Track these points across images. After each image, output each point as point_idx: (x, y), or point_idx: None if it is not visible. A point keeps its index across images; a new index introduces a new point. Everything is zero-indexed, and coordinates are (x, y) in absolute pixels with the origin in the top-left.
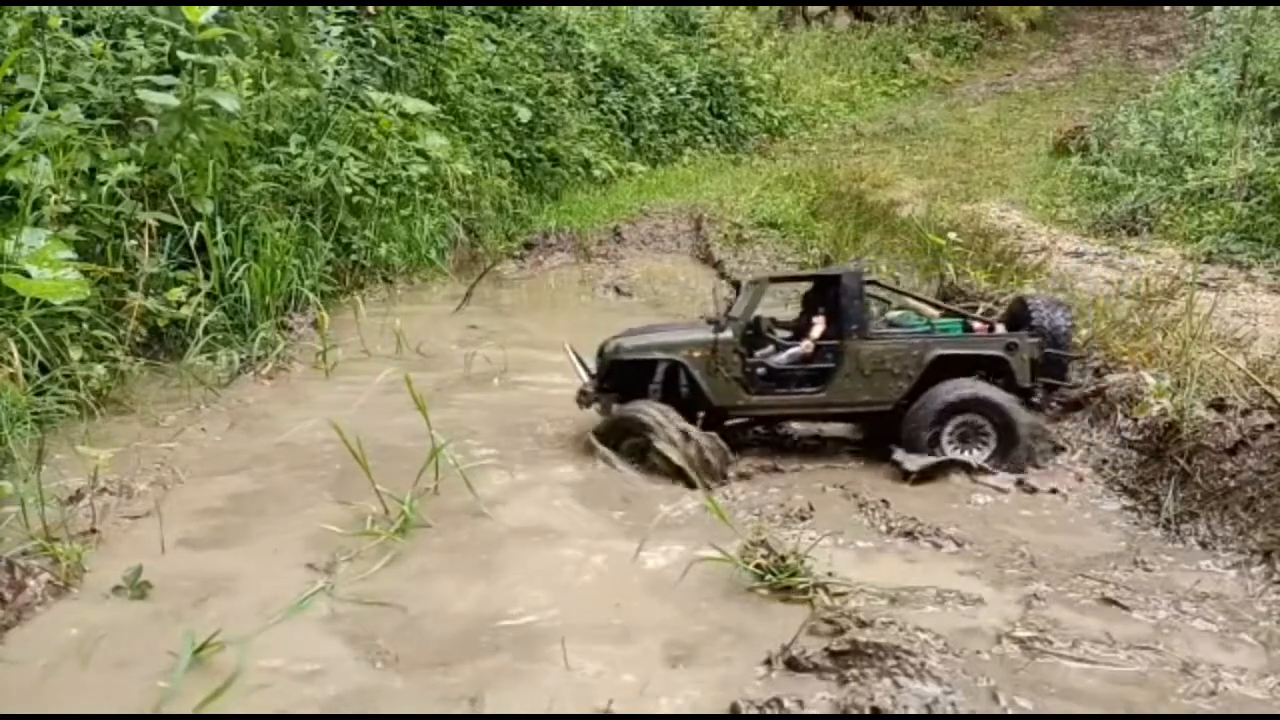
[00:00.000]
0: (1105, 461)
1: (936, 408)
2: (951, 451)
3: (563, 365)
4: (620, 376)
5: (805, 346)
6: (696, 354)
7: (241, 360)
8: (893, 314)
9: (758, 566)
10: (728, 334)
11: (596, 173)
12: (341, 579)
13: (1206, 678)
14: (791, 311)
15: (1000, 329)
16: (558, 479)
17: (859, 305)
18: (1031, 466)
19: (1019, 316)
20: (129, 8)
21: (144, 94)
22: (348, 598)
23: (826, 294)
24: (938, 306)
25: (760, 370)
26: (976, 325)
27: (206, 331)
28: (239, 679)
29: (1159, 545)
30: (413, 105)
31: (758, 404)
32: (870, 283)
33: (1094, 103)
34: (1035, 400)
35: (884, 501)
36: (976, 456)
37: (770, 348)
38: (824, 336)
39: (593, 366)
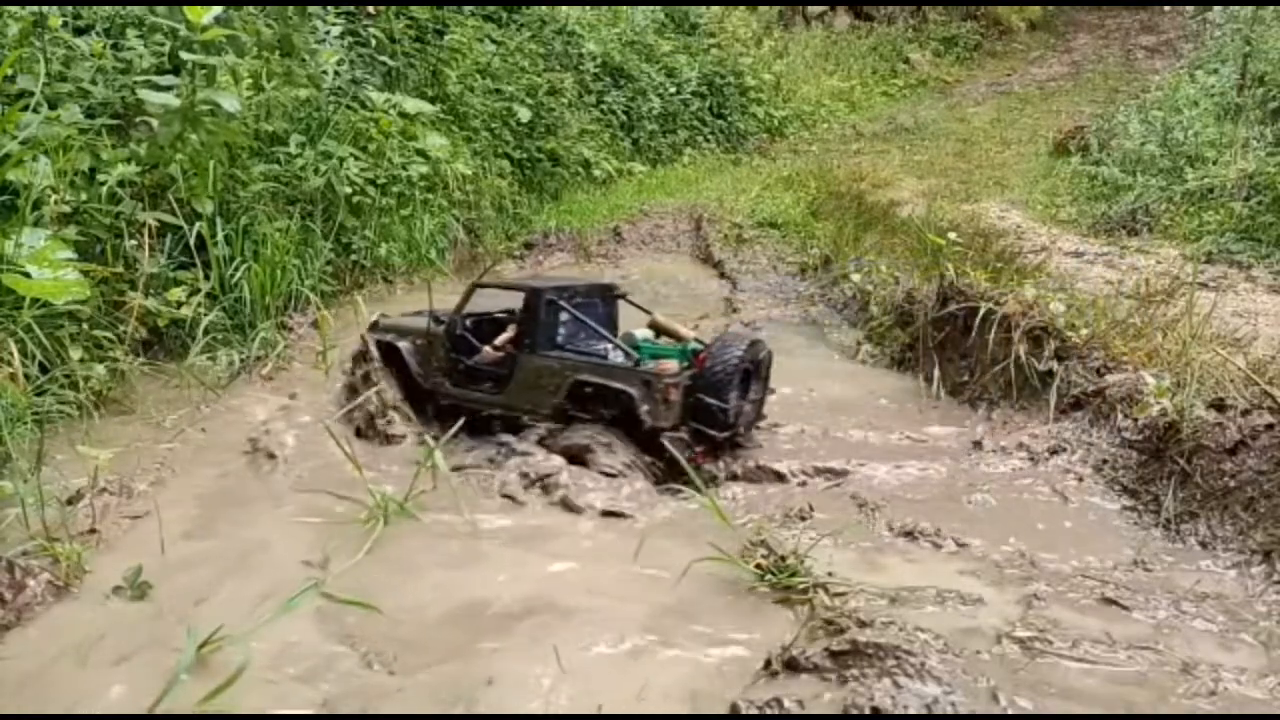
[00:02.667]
0: (1105, 461)
1: (561, 445)
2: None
3: None
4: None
5: (486, 352)
6: (419, 342)
7: (241, 360)
8: (636, 333)
9: (758, 566)
10: (439, 329)
11: (596, 173)
12: (337, 577)
13: (1206, 678)
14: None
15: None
16: (555, 478)
17: (535, 322)
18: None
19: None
20: (129, 8)
21: (144, 94)
22: (343, 596)
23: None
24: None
25: (461, 366)
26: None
27: (206, 332)
28: (237, 678)
29: (1159, 545)
30: (413, 105)
31: (457, 395)
32: (550, 305)
33: (1094, 103)
34: (678, 441)
35: (884, 501)
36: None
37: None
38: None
39: None
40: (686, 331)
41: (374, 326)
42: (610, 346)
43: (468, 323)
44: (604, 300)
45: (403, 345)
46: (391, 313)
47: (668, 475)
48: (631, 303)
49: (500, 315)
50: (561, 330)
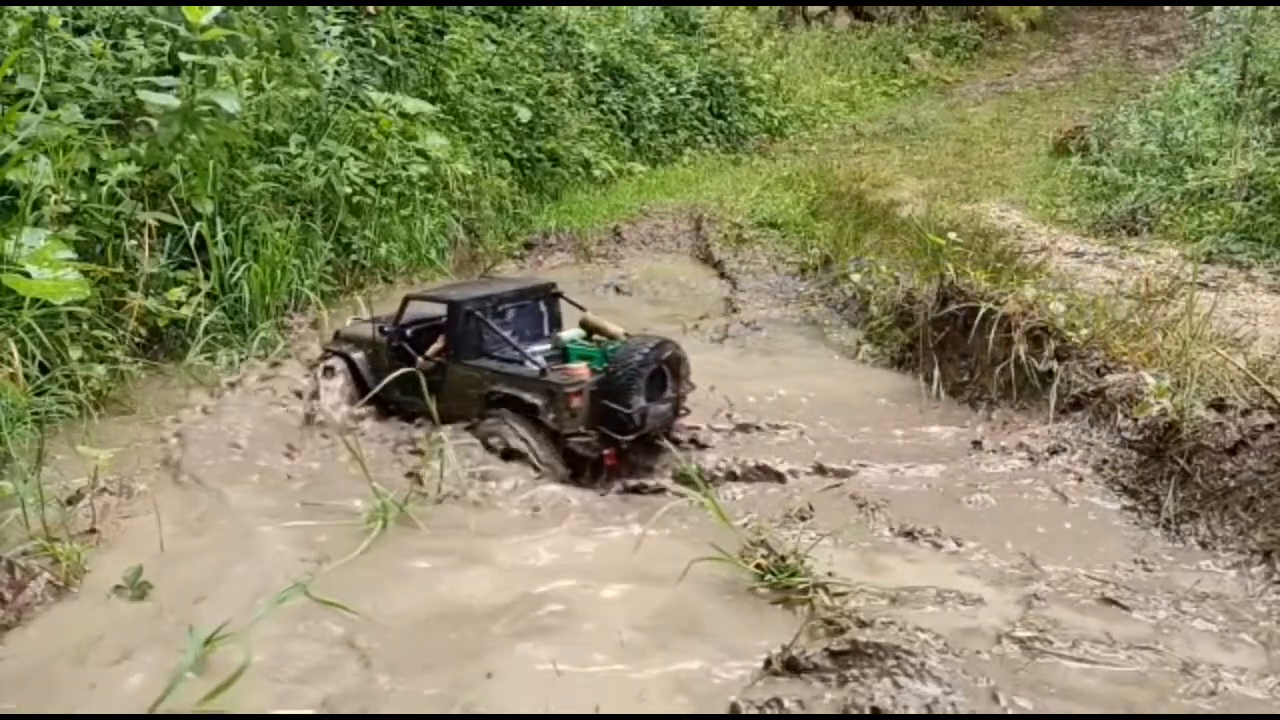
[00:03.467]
0: (1105, 461)
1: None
2: None
3: None
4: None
5: (420, 362)
6: (370, 351)
7: (241, 360)
8: (563, 334)
9: (758, 566)
10: (383, 339)
11: (596, 173)
12: (331, 577)
13: (1206, 678)
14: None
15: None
16: (554, 480)
17: (459, 331)
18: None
19: None
20: (129, 8)
21: (144, 94)
22: (327, 598)
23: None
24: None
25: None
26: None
27: (206, 331)
28: (238, 677)
29: (1159, 545)
30: (413, 105)
31: (405, 402)
32: (469, 316)
33: (1094, 103)
34: (582, 444)
35: (884, 501)
36: None
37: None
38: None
39: None
40: (616, 329)
41: (336, 337)
42: (533, 350)
43: (408, 332)
44: (544, 300)
45: (356, 356)
46: (387, 313)
47: (579, 474)
48: (569, 300)
49: (442, 322)
50: (486, 339)
